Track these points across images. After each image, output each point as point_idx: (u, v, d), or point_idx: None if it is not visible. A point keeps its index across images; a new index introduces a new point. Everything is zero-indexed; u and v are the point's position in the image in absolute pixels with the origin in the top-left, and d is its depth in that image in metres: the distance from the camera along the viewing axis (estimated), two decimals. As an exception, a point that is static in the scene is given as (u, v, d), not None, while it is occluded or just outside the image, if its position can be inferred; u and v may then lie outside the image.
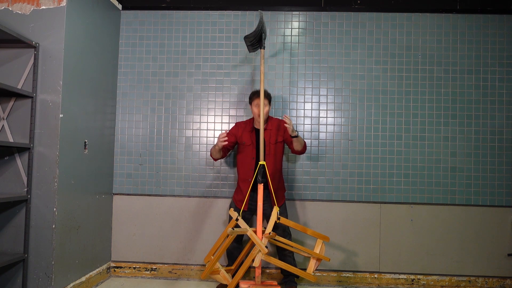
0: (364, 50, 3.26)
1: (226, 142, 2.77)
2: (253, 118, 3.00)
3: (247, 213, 2.95)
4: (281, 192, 2.96)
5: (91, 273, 2.95)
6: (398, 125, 3.21)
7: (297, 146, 2.86)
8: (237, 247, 2.98)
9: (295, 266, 2.91)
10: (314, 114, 3.25)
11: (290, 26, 3.31)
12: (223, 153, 2.94)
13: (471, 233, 3.15)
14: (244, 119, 3.25)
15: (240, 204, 2.89)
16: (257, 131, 2.91)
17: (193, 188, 3.26)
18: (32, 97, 2.48)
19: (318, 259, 2.71)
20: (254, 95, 2.90)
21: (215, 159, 2.97)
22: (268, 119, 2.95)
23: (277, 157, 2.91)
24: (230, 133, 2.95)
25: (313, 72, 3.28)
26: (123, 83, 3.34)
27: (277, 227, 2.85)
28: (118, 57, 3.34)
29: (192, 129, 3.31)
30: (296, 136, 2.79)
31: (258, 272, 2.65)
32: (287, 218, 2.93)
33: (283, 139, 2.94)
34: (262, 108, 2.71)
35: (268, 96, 2.90)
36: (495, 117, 3.18)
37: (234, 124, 3.10)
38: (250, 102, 2.94)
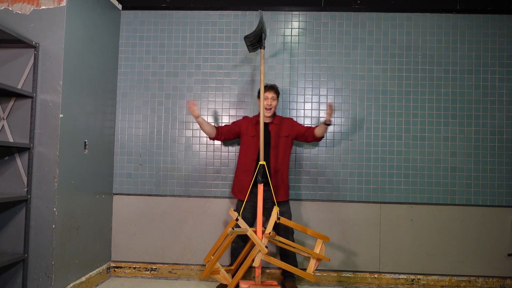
0: (364, 50, 3.26)
1: (195, 107, 2.83)
2: (259, 114, 3.02)
3: (248, 205, 2.89)
4: (283, 190, 2.95)
5: (91, 273, 2.95)
6: (398, 125, 3.21)
7: (321, 133, 2.89)
8: (242, 246, 2.98)
9: (296, 266, 2.91)
10: (314, 114, 3.25)
11: (290, 26, 3.31)
12: (221, 135, 2.97)
13: (471, 233, 3.15)
14: (244, 119, 3.27)
15: (241, 195, 2.89)
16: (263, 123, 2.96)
17: (193, 188, 3.26)
18: (32, 97, 2.48)
19: (318, 259, 2.71)
20: (265, 87, 2.93)
21: (211, 138, 3.00)
22: (274, 115, 3.00)
23: (282, 152, 2.92)
24: (235, 123, 3.03)
25: (313, 72, 3.28)
26: (123, 83, 3.34)
27: (279, 227, 2.85)
28: (118, 57, 3.34)
29: (192, 129, 3.31)
30: (329, 124, 2.84)
31: (258, 272, 2.65)
32: (290, 217, 2.94)
33: (289, 134, 2.95)
34: (262, 106, 2.72)
35: (276, 91, 2.94)
36: (495, 117, 3.18)
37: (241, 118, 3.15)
38: (258, 96, 2.99)
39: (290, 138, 2.98)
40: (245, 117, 3.11)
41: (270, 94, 2.90)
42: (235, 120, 3.15)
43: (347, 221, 3.19)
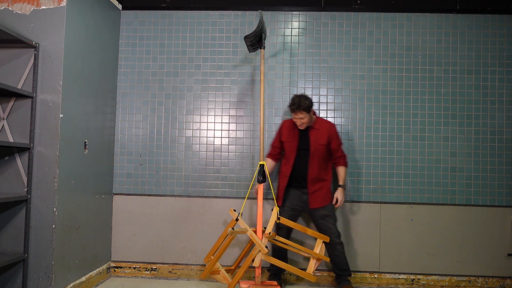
0: (364, 50, 3.26)
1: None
2: None
3: (287, 211, 2.88)
4: (322, 196, 2.88)
5: (91, 273, 2.95)
6: (398, 125, 3.21)
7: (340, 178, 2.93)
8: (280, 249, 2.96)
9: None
10: (314, 114, 3.25)
11: (290, 26, 3.31)
12: (277, 159, 3.02)
13: (471, 233, 3.15)
14: (244, 119, 3.27)
15: (278, 200, 2.90)
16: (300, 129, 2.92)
17: (193, 188, 3.26)
18: (32, 97, 2.48)
19: (318, 259, 2.71)
20: (292, 108, 2.77)
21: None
22: (316, 120, 2.91)
23: (321, 158, 2.86)
24: (276, 139, 3.00)
25: (313, 72, 3.28)
26: (123, 83, 3.34)
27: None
28: (118, 57, 3.34)
29: (192, 129, 3.31)
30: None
31: (258, 272, 2.66)
32: (335, 221, 2.94)
33: (328, 144, 2.86)
34: (262, 109, 2.72)
35: (304, 109, 2.71)
36: (495, 117, 3.18)
37: (281, 123, 3.06)
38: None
39: (329, 148, 2.90)
40: (284, 123, 3.00)
41: (298, 115, 2.76)
42: (275, 135, 3.06)
43: (347, 221, 3.19)
